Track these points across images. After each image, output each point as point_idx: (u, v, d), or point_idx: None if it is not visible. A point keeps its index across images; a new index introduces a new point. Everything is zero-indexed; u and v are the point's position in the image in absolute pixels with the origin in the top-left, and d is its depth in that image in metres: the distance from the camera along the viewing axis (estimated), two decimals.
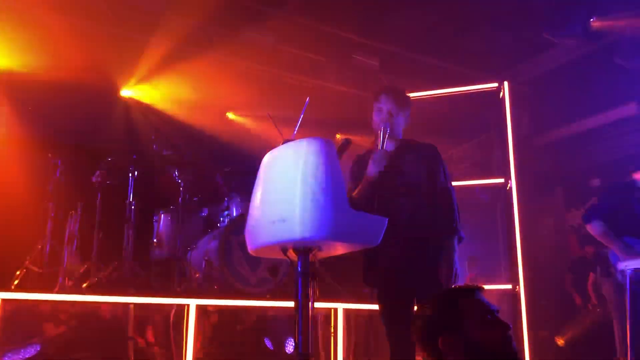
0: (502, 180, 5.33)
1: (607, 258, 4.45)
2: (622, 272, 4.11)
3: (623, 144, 6.95)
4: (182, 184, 5.63)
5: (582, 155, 7.42)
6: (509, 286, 5.04)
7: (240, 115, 7.57)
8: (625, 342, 4.06)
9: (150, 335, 4.40)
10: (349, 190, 3.02)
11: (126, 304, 4.30)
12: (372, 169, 2.96)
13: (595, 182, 6.75)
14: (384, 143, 3.03)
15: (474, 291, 1.92)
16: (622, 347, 4.32)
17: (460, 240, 3.06)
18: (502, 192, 5.28)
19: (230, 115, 7.55)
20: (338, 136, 7.66)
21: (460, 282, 2.96)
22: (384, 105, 3.17)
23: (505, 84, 5.73)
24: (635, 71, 6.00)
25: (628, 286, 4.17)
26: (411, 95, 6.23)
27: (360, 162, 3.18)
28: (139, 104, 6.90)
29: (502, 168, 5.40)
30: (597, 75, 6.29)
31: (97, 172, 5.39)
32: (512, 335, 1.84)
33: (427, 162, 3.14)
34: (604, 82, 6.27)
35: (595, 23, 5.45)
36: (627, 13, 5.33)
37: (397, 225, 2.83)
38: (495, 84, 5.81)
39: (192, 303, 4.19)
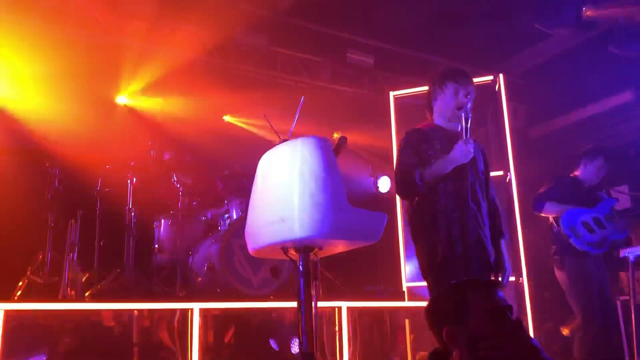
0: (501, 172, 5.33)
1: (561, 239, 4.51)
2: (625, 258, 4.12)
3: (619, 132, 6.96)
4: (181, 189, 5.63)
5: (579, 146, 7.42)
6: (512, 278, 5.04)
7: (237, 118, 7.56)
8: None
9: (155, 341, 4.40)
10: (413, 165, 2.89)
11: (130, 311, 4.30)
12: (462, 157, 2.85)
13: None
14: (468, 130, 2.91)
15: (487, 285, 1.89)
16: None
17: None
18: (502, 184, 5.29)
19: (227, 118, 7.54)
20: (335, 135, 7.66)
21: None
22: (473, 92, 3.05)
23: (501, 76, 5.73)
24: (629, 59, 6.01)
25: (631, 273, 4.19)
26: (408, 91, 6.29)
27: (428, 140, 3.00)
28: (134, 111, 6.89)
29: (501, 161, 5.40)
30: (591, 65, 6.28)
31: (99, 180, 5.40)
32: (526, 331, 1.79)
33: (483, 154, 3.16)
34: (598, 71, 6.27)
35: (587, 12, 5.45)
36: (619, 1, 5.33)
37: (482, 213, 2.93)
38: (491, 77, 5.82)
39: (196, 307, 4.19)
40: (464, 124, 2.90)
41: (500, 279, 2.88)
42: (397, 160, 3.02)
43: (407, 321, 4.97)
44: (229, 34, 6.15)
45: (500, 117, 5.45)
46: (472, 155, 2.87)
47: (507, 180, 5.21)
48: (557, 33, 6.12)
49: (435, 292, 2.55)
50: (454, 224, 2.84)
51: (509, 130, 5.36)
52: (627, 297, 4.43)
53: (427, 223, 2.90)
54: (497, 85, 5.72)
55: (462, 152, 2.84)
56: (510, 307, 1.80)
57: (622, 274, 5.31)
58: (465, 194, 2.91)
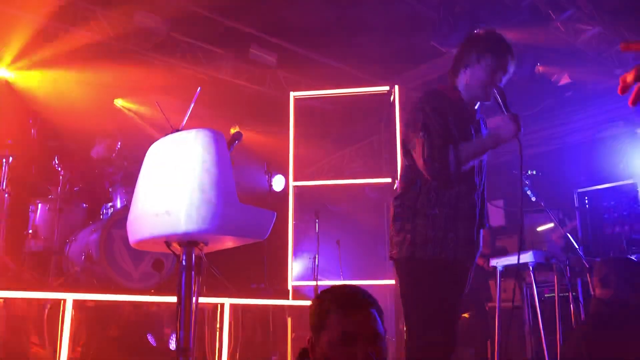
0: (389, 179, 5.55)
1: None
2: (494, 267, 4.43)
3: (499, 148, 7.46)
4: (62, 173, 5.30)
5: None
6: (392, 281, 5.25)
7: (129, 103, 7.26)
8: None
9: (22, 333, 4.11)
10: (444, 139, 2.44)
11: None
12: (508, 134, 2.42)
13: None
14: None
15: (354, 307, 1.76)
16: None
17: None
18: (389, 190, 5.50)
19: (119, 102, 7.22)
20: (232, 130, 7.57)
21: None
22: (510, 73, 2.63)
23: (396, 87, 5.97)
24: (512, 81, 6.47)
25: (499, 282, 4.52)
26: (308, 93, 6.36)
27: (453, 109, 2.59)
28: (15, 86, 6.40)
29: (390, 168, 5.61)
30: None
31: None
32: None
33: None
34: None
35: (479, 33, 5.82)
36: (506, 26, 5.75)
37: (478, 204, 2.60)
38: (387, 88, 6.04)
39: (69, 298, 3.96)
40: (499, 100, 2.51)
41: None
42: (423, 127, 2.47)
43: (289, 320, 5.01)
44: (127, 13, 5.90)
45: (392, 126, 5.67)
46: (521, 131, 2.43)
47: (395, 187, 5.43)
48: (450, 52, 6.47)
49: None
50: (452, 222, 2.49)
51: (400, 139, 5.58)
52: (495, 304, 4.77)
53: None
54: (392, 96, 5.95)
55: (510, 127, 2.42)
56: (369, 334, 1.71)
57: (491, 283, 5.70)
58: (472, 185, 2.57)
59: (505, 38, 2.63)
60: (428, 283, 2.47)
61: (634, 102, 1.28)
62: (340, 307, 1.75)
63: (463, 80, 2.64)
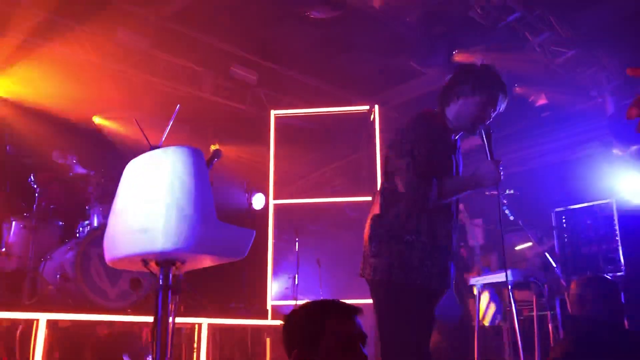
0: (369, 198, 5.56)
1: None
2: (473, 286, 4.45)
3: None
4: (37, 190, 5.20)
5: None
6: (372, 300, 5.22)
7: (108, 120, 7.19)
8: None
9: None
10: (429, 170, 2.42)
11: None
12: (491, 181, 2.46)
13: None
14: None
15: (347, 313, 1.80)
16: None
17: None
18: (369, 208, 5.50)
19: (97, 120, 7.14)
20: (212, 147, 7.54)
21: None
22: (500, 110, 2.64)
23: (376, 107, 6.02)
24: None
25: (478, 301, 4.54)
26: (289, 112, 6.38)
27: (443, 137, 2.60)
28: None
29: (370, 186, 5.63)
30: None
31: None
32: None
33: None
34: None
35: (457, 56, 5.93)
36: (482, 47, 5.86)
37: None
38: (367, 107, 6.08)
39: (43, 318, 3.88)
40: (485, 141, 2.52)
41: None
42: (409, 153, 2.44)
43: (268, 340, 4.96)
44: (108, 30, 5.87)
45: (372, 144, 5.70)
46: (501, 180, 2.45)
47: (372, 201, 5.45)
48: (428, 72, 6.55)
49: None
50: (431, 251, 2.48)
51: (379, 158, 5.61)
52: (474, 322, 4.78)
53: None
54: (372, 115, 5.99)
55: (492, 174, 2.45)
56: (363, 337, 1.77)
57: (470, 301, 5.72)
58: (449, 214, 2.58)
59: (500, 75, 2.63)
60: (403, 306, 2.45)
61: None
62: (337, 312, 1.78)
63: (454, 109, 2.63)
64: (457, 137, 2.71)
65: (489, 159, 2.50)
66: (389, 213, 2.54)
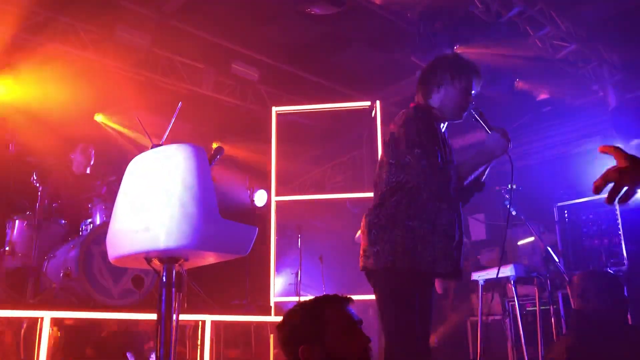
0: (371, 194, 5.54)
1: None
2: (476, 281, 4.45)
3: None
4: (40, 188, 5.21)
5: None
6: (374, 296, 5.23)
7: (109, 118, 7.19)
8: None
9: None
10: (435, 156, 2.47)
11: None
12: (499, 149, 2.49)
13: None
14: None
15: (341, 302, 1.94)
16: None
17: None
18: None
19: (99, 118, 7.15)
20: (214, 145, 7.55)
21: None
22: (478, 88, 2.73)
23: (378, 103, 6.01)
24: (491, 97, 6.59)
25: (480, 296, 4.54)
26: (290, 108, 6.38)
27: (439, 134, 2.65)
28: None
29: (372, 183, 5.62)
30: None
31: None
32: (372, 348, 1.88)
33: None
34: None
35: (458, 51, 5.92)
36: (485, 42, 5.85)
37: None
38: (368, 103, 6.07)
39: (47, 316, 3.89)
40: (480, 119, 2.60)
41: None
42: (418, 144, 2.48)
43: (271, 336, 4.97)
44: (109, 28, 5.87)
45: (374, 140, 5.69)
46: (510, 146, 2.50)
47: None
48: None
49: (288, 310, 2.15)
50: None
51: (382, 152, 5.60)
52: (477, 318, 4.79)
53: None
54: (373, 111, 5.99)
55: (500, 143, 2.49)
56: (361, 321, 1.90)
57: (473, 296, 5.72)
58: (451, 203, 2.59)
59: (470, 60, 2.78)
60: (407, 293, 2.45)
61: (609, 201, 1.37)
62: (332, 304, 1.92)
63: (437, 99, 2.69)
64: (444, 128, 2.75)
65: (495, 129, 2.55)
66: (389, 202, 2.56)
